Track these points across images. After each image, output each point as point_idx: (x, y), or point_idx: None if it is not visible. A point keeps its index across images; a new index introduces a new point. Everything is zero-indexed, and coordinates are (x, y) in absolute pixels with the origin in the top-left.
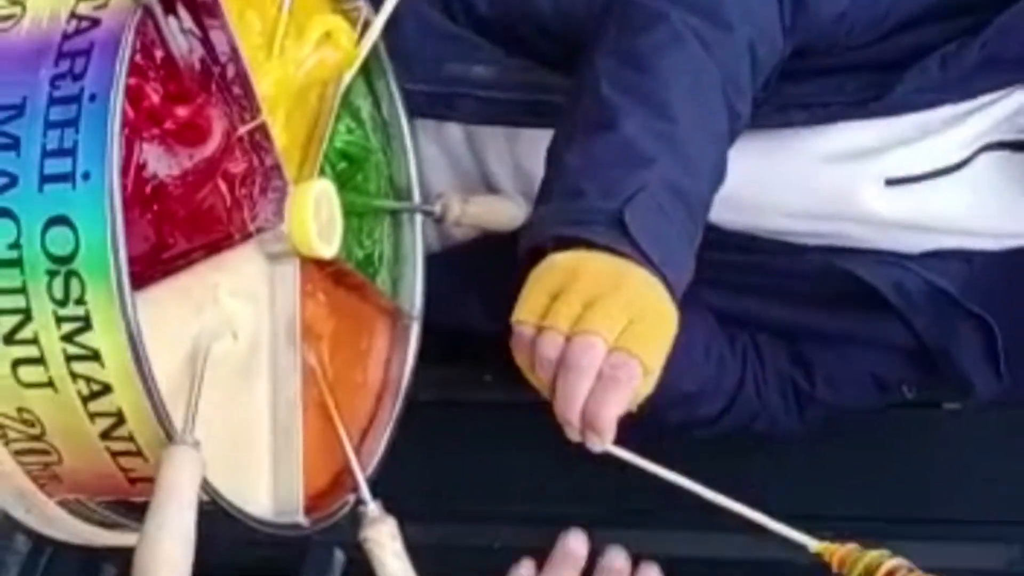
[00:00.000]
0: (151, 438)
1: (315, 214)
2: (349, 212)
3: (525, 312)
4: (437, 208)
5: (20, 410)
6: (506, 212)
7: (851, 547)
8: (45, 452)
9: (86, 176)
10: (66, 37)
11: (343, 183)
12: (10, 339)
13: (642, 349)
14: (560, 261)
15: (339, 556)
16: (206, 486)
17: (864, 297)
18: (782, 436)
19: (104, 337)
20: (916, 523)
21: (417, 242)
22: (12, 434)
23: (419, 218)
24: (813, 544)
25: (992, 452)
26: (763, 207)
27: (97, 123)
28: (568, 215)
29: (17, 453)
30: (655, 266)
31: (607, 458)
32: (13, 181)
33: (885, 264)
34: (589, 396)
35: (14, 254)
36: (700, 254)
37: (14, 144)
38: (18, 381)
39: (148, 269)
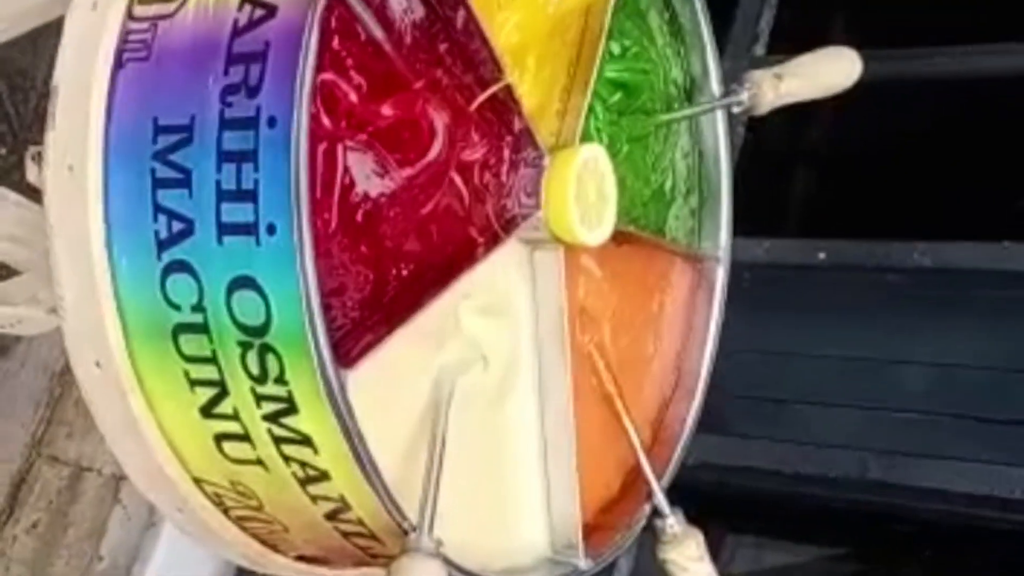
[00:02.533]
0: (384, 525)
1: (578, 195)
2: (631, 140)
3: None
4: (744, 96)
5: (233, 483)
6: (839, 71)
7: None
8: (268, 522)
9: (271, 229)
10: (236, 32)
11: (620, 114)
12: (208, 412)
13: None
14: None
15: None
16: None
17: None
18: None
19: (312, 423)
20: None
21: (722, 151)
22: (229, 503)
23: (721, 118)
24: None
25: None
26: None
27: (279, 159)
28: None
29: (240, 519)
30: None
31: None
32: (189, 228)
33: None
34: None
35: (198, 317)
36: None
37: (185, 180)
38: (225, 456)
39: (371, 320)
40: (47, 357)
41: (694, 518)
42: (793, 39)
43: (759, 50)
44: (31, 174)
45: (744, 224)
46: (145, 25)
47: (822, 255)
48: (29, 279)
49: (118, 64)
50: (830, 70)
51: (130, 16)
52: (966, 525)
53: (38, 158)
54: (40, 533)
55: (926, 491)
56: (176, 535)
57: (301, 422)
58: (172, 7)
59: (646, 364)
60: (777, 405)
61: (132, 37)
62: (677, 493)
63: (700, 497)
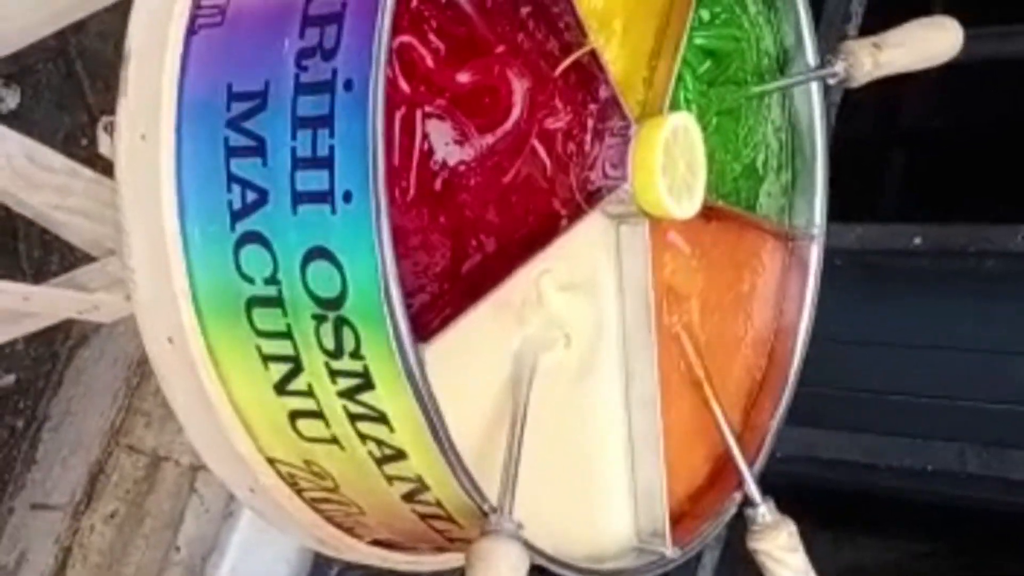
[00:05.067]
0: (463, 507)
1: (666, 165)
2: (721, 113)
3: None
4: (840, 67)
5: (307, 463)
6: (940, 40)
7: None
8: (343, 504)
9: (347, 197)
10: None
11: (710, 84)
12: (282, 389)
13: None
14: None
15: None
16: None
17: None
18: None
19: (389, 400)
20: None
21: (816, 124)
22: (303, 483)
23: (816, 90)
24: None
25: None
26: None
27: (356, 123)
28: None
29: (314, 501)
30: None
31: None
32: (263, 197)
33: None
34: None
35: (272, 290)
36: None
37: (259, 148)
38: (299, 434)
39: (449, 293)
40: (126, 347)
41: (784, 513)
42: (888, 20)
43: (852, 31)
44: (103, 145)
45: (835, 209)
46: None
47: (918, 240)
48: (106, 264)
49: (191, 30)
50: (931, 40)
51: None
52: None
53: (110, 128)
54: (117, 523)
55: None
56: (253, 526)
57: (377, 398)
58: None
59: (736, 346)
60: (871, 396)
61: (205, 3)
62: (765, 487)
63: (790, 492)
